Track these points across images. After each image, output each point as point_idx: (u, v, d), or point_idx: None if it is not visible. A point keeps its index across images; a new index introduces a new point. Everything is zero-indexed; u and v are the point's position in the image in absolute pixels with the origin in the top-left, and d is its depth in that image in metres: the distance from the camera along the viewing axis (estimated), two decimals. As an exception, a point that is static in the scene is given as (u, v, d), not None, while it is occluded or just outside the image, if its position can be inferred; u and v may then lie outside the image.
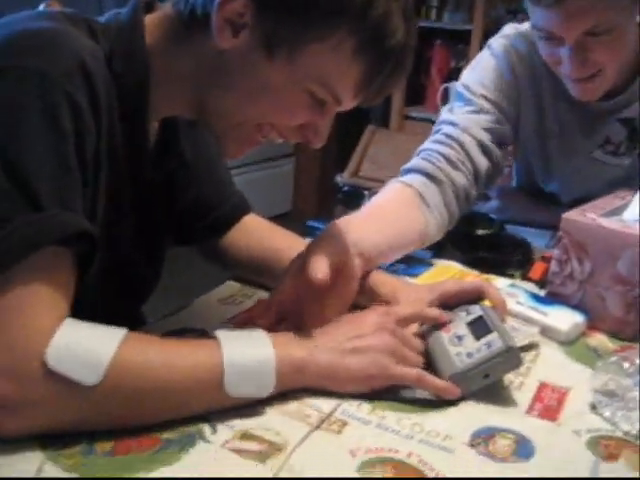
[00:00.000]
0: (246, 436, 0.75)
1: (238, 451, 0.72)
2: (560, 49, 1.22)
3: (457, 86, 1.41)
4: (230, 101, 0.85)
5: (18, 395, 0.68)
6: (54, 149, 0.72)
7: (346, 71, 0.83)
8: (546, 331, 1.02)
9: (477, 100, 1.35)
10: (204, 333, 0.94)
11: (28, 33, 0.75)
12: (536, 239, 1.35)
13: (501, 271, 1.24)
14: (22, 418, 0.69)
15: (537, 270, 1.21)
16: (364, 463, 0.72)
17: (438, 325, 0.93)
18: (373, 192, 1.36)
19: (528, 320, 1.04)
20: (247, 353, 0.79)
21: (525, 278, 1.22)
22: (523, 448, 0.77)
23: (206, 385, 0.76)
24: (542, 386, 0.90)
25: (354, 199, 1.63)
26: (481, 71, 1.40)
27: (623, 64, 1.27)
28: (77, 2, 0.86)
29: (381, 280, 1.03)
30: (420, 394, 0.85)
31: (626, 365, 0.86)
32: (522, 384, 0.90)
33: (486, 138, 1.32)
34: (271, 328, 0.86)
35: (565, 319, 1.04)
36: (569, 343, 1.02)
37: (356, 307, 0.96)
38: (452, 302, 0.97)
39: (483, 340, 0.86)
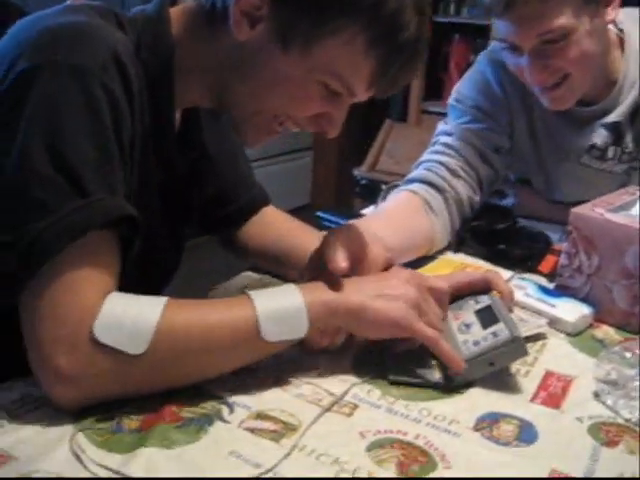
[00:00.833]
0: (261, 416, 0.79)
1: (254, 430, 0.76)
2: (521, 59, 1.26)
3: (450, 101, 1.47)
4: (248, 91, 0.89)
5: (71, 366, 0.73)
6: (96, 138, 0.77)
7: (359, 64, 0.86)
8: (554, 322, 1.05)
9: (470, 110, 1.41)
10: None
11: (59, 28, 0.78)
12: (549, 233, 1.37)
13: (522, 264, 1.27)
14: (75, 389, 0.75)
15: (547, 263, 1.24)
16: (373, 443, 0.75)
17: (447, 312, 0.97)
18: (391, 186, 1.40)
19: (536, 311, 1.07)
20: (278, 301, 0.83)
21: (535, 271, 1.24)
22: (526, 433, 0.80)
23: (244, 337, 0.81)
24: (548, 375, 0.92)
25: (372, 192, 1.66)
26: (471, 84, 1.45)
27: (595, 69, 1.30)
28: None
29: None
30: (432, 377, 0.88)
31: (628, 355, 0.89)
32: (528, 372, 0.92)
33: (483, 145, 1.38)
34: None
35: (572, 311, 1.06)
36: (576, 334, 1.04)
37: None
38: (462, 293, 1.00)
39: (490, 329, 0.89)
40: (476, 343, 0.88)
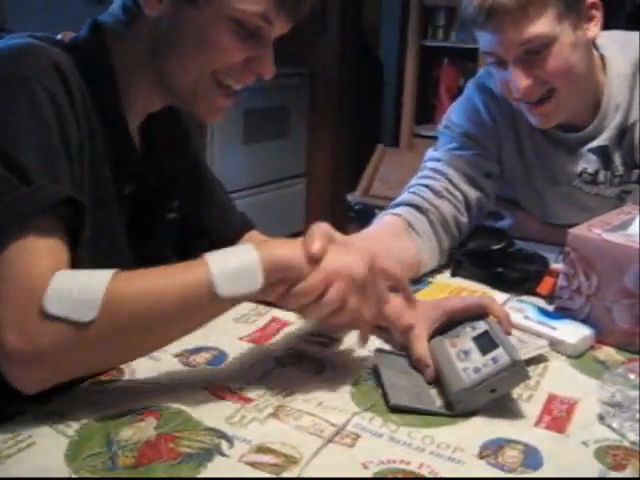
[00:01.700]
0: (262, 450, 0.77)
1: (254, 464, 0.74)
2: (506, 73, 1.27)
3: (440, 128, 1.48)
4: (179, 62, 0.96)
5: (25, 345, 0.75)
6: (39, 134, 0.83)
7: None
8: (555, 345, 1.04)
9: (459, 137, 1.42)
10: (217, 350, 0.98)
11: (7, 48, 0.89)
12: (544, 253, 1.36)
13: (519, 286, 1.25)
14: (34, 369, 0.77)
15: (545, 285, 1.23)
16: (376, 474, 0.74)
17: (444, 339, 0.96)
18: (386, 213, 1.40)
19: (536, 334, 1.05)
20: (232, 258, 0.83)
21: (533, 293, 1.23)
22: (532, 459, 0.78)
23: (198, 297, 0.81)
24: (551, 398, 0.91)
25: (366, 217, 1.66)
26: (460, 111, 1.46)
27: (581, 87, 1.31)
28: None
29: None
30: (433, 405, 0.87)
31: (632, 377, 0.88)
32: (531, 397, 0.91)
33: (471, 171, 1.38)
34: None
35: (573, 333, 1.05)
36: (578, 356, 1.03)
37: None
38: (457, 319, 0.99)
39: (489, 355, 0.88)
40: (476, 370, 0.87)
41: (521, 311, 1.10)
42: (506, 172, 1.47)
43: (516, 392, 0.91)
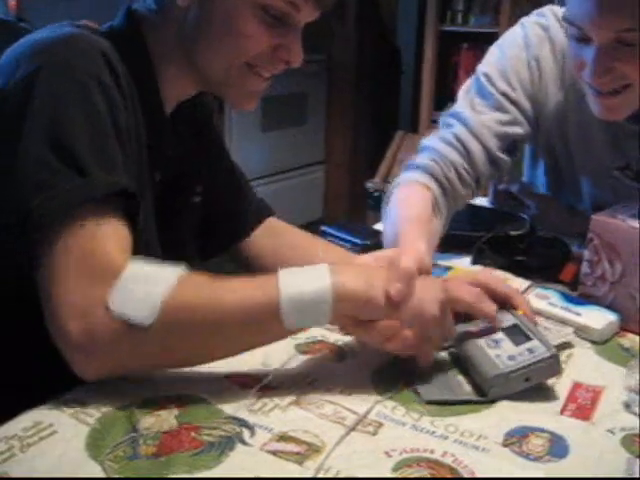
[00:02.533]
0: (284, 438, 0.76)
1: (277, 453, 0.74)
2: (587, 51, 1.15)
3: (479, 71, 1.38)
4: (210, 50, 0.96)
5: (87, 336, 0.77)
6: (91, 120, 0.84)
7: None
8: (580, 330, 1.03)
9: (497, 96, 1.32)
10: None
11: (53, 37, 0.88)
12: (565, 239, 1.34)
13: (541, 272, 1.24)
14: (94, 360, 0.78)
15: (568, 272, 1.21)
16: (399, 462, 0.73)
17: (469, 327, 0.95)
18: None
19: (561, 320, 1.04)
20: (305, 284, 0.82)
21: (556, 279, 1.22)
22: (557, 447, 0.77)
23: (263, 321, 0.81)
24: (576, 386, 0.90)
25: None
26: (507, 60, 1.35)
27: None
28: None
29: None
30: (465, 393, 0.87)
31: (658, 363, 0.87)
32: (555, 384, 0.90)
33: (496, 147, 1.30)
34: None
35: (599, 318, 1.04)
36: (602, 343, 1.02)
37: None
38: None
39: (523, 345, 0.88)
40: (511, 358, 0.87)
41: (545, 297, 1.09)
42: (541, 140, 1.41)
43: (540, 380, 0.90)
